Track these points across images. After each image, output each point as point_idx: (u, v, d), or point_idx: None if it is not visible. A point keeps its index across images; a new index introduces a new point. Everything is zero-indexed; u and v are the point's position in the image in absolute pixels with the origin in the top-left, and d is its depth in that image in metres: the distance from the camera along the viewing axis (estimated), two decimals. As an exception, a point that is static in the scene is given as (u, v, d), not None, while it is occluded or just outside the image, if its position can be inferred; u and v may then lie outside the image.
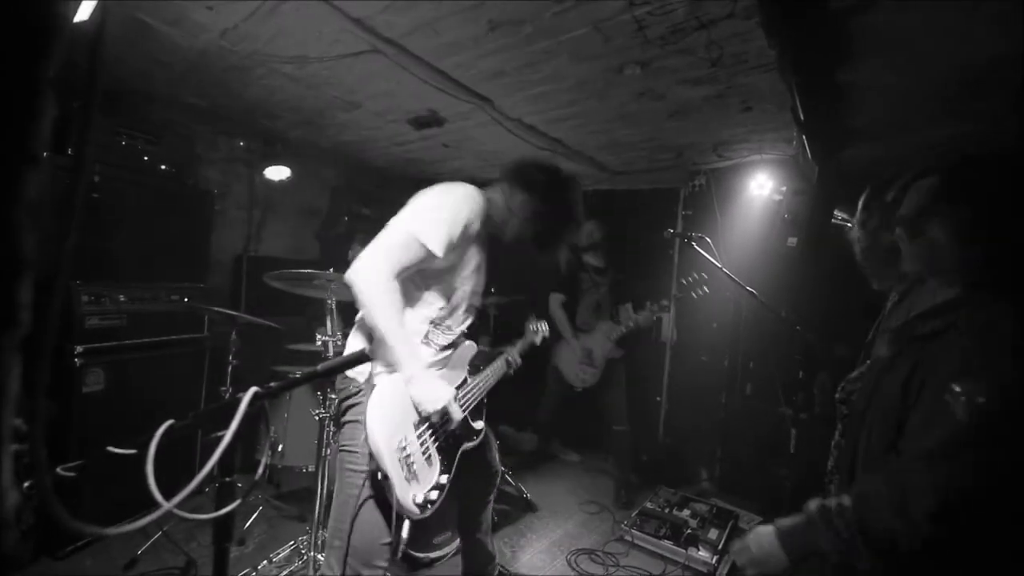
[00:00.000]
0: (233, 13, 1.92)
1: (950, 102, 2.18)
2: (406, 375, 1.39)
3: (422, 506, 1.35)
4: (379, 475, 1.31)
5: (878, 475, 0.97)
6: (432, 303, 1.55)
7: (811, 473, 2.53)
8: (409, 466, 1.35)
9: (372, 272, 1.36)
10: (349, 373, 1.49)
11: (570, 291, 3.50)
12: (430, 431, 1.46)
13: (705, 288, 3.04)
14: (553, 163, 1.73)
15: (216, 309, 2.51)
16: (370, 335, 1.47)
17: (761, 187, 3.33)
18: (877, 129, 2.61)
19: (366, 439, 1.30)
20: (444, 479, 1.46)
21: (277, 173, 3.58)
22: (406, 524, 1.43)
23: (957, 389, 0.87)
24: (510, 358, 1.99)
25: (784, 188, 3.33)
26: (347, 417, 1.49)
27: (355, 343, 1.57)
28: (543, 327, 2.30)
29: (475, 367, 1.81)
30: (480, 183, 1.66)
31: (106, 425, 2.35)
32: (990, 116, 2.28)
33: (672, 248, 4.00)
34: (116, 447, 0.87)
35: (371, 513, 1.39)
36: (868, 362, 1.30)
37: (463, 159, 3.88)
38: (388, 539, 1.40)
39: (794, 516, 1.06)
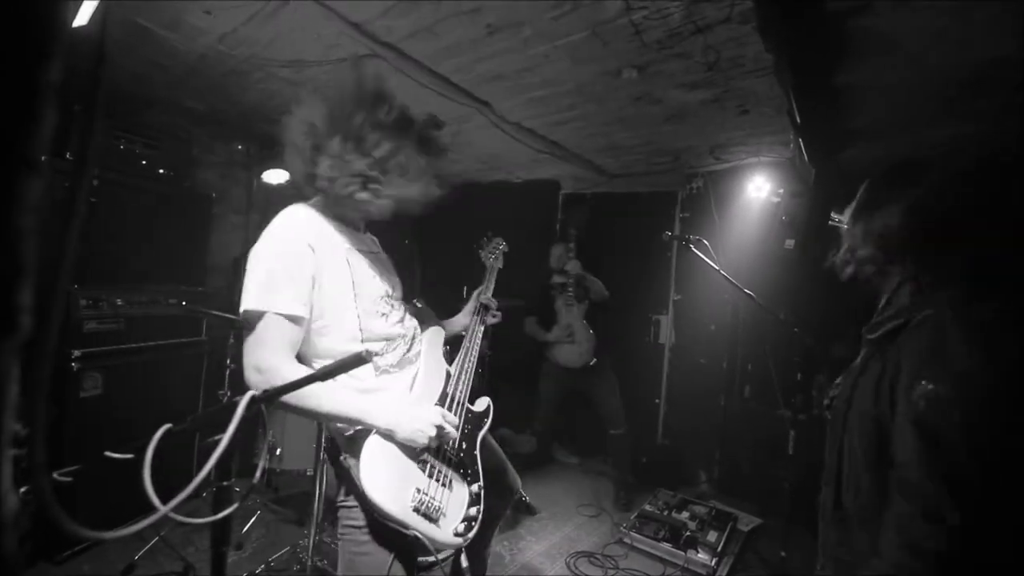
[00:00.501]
0: (231, 17, 1.93)
1: (949, 102, 2.20)
2: (384, 429, 1.23)
3: (465, 531, 1.27)
4: (409, 536, 1.19)
5: (895, 505, 0.95)
6: (349, 341, 1.30)
7: (810, 475, 2.54)
8: (431, 513, 1.23)
9: (272, 380, 1.12)
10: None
11: (542, 313, 3.52)
12: (436, 460, 1.33)
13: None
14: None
15: (214, 312, 2.50)
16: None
17: (759, 189, 3.34)
18: (874, 131, 2.62)
19: (375, 511, 1.18)
20: (476, 488, 1.36)
21: (275, 176, 3.58)
22: (463, 556, 1.36)
23: (926, 388, 0.89)
24: (483, 301, 1.76)
25: (781, 190, 3.34)
26: (342, 467, 1.31)
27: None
28: (499, 242, 2.02)
29: (451, 350, 1.64)
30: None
31: (103, 430, 2.34)
32: (990, 116, 2.29)
33: (670, 251, 4.01)
34: (113, 452, 0.87)
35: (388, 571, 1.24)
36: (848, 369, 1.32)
37: (462, 163, 3.89)
38: None
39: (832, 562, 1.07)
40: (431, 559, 2.04)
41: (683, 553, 2.58)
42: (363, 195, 1.30)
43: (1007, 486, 0.89)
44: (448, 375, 1.53)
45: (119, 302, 2.48)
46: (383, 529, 1.22)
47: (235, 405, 0.83)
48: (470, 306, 1.78)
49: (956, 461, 0.87)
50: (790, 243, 3.28)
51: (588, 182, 4.25)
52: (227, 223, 3.62)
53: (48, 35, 0.36)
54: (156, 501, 0.71)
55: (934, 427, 0.88)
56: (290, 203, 1.42)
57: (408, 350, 1.44)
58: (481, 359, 1.66)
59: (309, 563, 2.15)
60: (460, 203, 3.90)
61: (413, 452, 1.28)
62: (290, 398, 1.08)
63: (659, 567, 2.60)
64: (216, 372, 2.73)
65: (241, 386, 1.03)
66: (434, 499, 1.25)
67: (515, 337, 3.42)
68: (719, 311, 3.68)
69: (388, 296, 1.43)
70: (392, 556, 1.25)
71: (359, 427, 1.26)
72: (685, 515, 2.93)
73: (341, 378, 1.09)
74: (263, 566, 2.25)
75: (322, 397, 1.18)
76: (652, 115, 2.63)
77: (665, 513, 2.95)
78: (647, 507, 3.03)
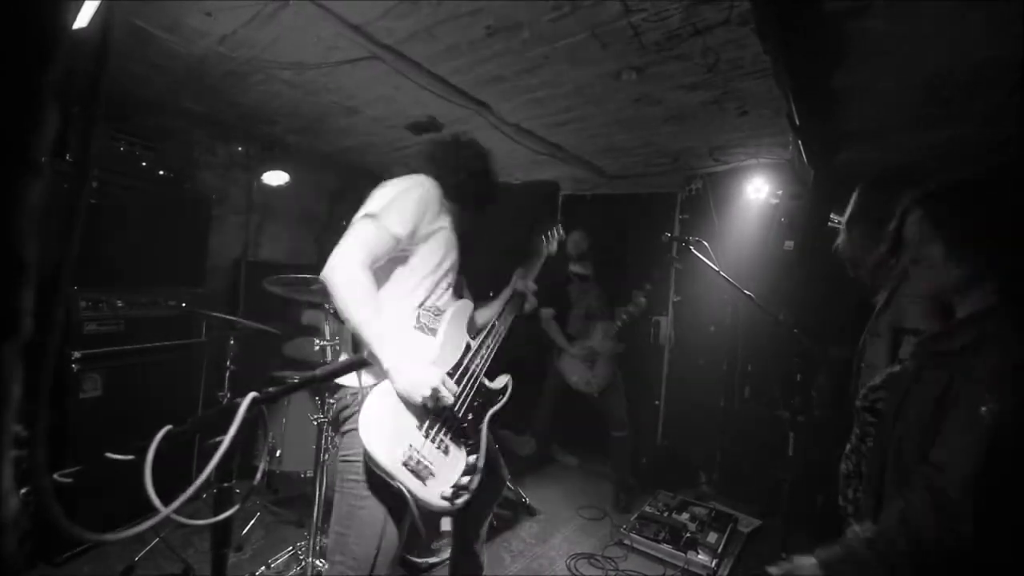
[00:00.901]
0: (232, 19, 1.93)
1: (946, 104, 2.20)
2: (386, 366, 1.32)
3: (453, 497, 1.31)
4: (394, 488, 1.26)
5: (914, 494, 0.96)
6: (413, 289, 1.51)
7: (809, 475, 2.55)
8: (423, 469, 1.30)
9: (345, 266, 1.35)
10: (342, 381, 1.45)
11: (558, 304, 3.52)
12: (437, 424, 1.39)
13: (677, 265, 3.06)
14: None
15: (214, 314, 2.51)
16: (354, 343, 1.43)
17: (758, 191, 3.35)
18: (872, 132, 2.63)
19: (366, 460, 1.26)
20: (473, 459, 1.40)
21: (275, 178, 3.58)
22: (445, 521, 1.39)
23: (993, 406, 0.90)
24: (519, 287, 1.89)
25: (780, 192, 3.34)
26: (346, 427, 1.43)
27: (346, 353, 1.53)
28: (557, 232, 2.14)
29: (478, 328, 1.73)
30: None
31: (103, 431, 2.34)
32: (984, 118, 2.30)
33: (670, 252, 4.00)
34: (114, 453, 0.87)
35: (383, 526, 1.34)
36: (891, 370, 1.33)
37: (461, 164, 3.89)
38: (397, 551, 1.38)
39: (833, 547, 1.06)
40: (430, 561, 2.06)
41: (683, 554, 2.58)
42: None
43: None
44: (468, 347, 1.60)
45: (119, 303, 2.49)
46: (382, 484, 1.30)
47: (236, 407, 0.83)
48: (507, 292, 1.89)
49: (992, 486, 0.88)
50: (789, 244, 3.28)
51: (588, 183, 4.25)
52: (227, 224, 3.62)
53: (49, 38, 0.37)
54: (157, 503, 0.72)
55: (985, 443, 0.89)
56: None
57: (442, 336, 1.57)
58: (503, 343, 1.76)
59: (310, 565, 2.15)
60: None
61: (416, 412, 1.35)
62: (342, 283, 1.32)
63: (659, 568, 2.59)
64: (216, 374, 2.73)
65: (241, 388, 1.03)
66: (424, 458, 1.31)
67: (514, 335, 3.42)
68: (719, 312, 3.68)
69: (454, 273, 1.63)
70: (385, 512, 1.33)
71: (376, 381, 1.36)
72: (685, 516, 2.93)
73: (393, 304, 1.44)
74: (263, 568, 2.24)
75: (361, 303, 1.33)
76: (651, 117, 2.64)
77: (665, 514, 2.95)
78: (647, 508, 3.03)
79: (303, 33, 1.99)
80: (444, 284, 1.58)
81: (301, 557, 2.26)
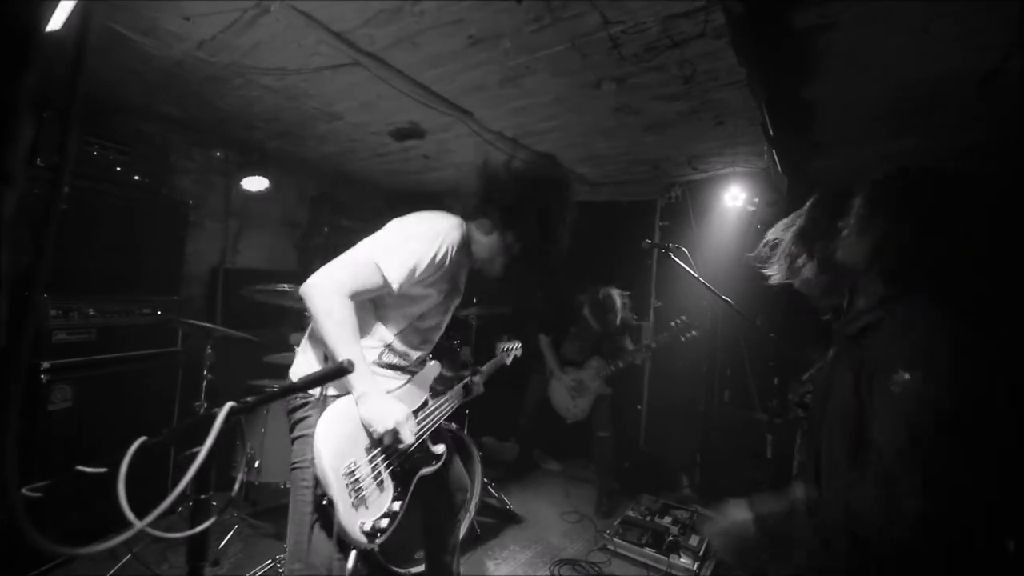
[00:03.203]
0: (211, 24, 1.91)
1: (910, 116, 2.30)
2: (357, 392, 1.34)
3: (370, 535, 1.28)
4: (324, 500, 1.25)
5: (866, 471, 0.98)
6: (387, 332, 1.51)
7: (787, 476, 2.59)
8: (357, 492, 1.28)
9: (328, 286, 1.33)
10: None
11: (556, 330, 3.57)
12: (383, 455, 1.41)
13: (693, 332, 3.18)
14: (546, 198, 1.60)
15: (190, 322, 2.46)
16: (325, 355, 1.41)
17: (735, 199, 3.43)
18: (843, 142, 2.72)
19: (312, 460, 1.25)
20: (396, 506, 1.38)
21: (255, 184, 3.54)
22: (352, 554, 1.34)
23: (904, 377, 0.93)
24: (471, 382, 1.95)
25: (757, 199, 3.43)
26: (296, 432, 1.43)
27: (303, 362, 1.50)
28: (515, 346, 2.33)
29: (436, 390, 1.76)
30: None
31: (74, 444, 2.26)
32: (948, 127, 2.40)
33: (650, 259, 4.07)
34: (85, 466, 0.85)
35: (324, 537, 1.32)
36: (819, 364, 1.36)
37: (444, 171, 3.90)
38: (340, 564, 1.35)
39: (771, 503, 1.09)
40: (412, 571, 2.04)
41: (666, 558, 2.60)
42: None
43: (977, 480, 0.92)
44: (426, 403, 1.66)
45: (90, 312, 2.42)
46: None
47: (213, 417, 0.82)
48: (459, 387, 1.94)
49: (929, 450, 0.90)
50: (765, 251, 3.36)
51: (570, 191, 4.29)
52: (204, 231, 3.55)
53: (23, 43, 0.36)
54: (131, 516, 0.70)
55: (909, 415, 0.91)
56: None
57: (406, 383, 1.60)
58: (464, 367, 1.81)
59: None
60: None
61: (367, 440, 1.37)
62: (320, 302, 1.31)
63: (642, 572, 2.61)
64: (192, 384, 2.67)
65: (218, 398, 1.02)
66: (363, 488, 1.31)
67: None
68: (698, 318, 3.74)
69: (437, 329, 1.66)
70: (315, 518, 1.31)
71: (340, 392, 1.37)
72: (667, 520, 2.95)
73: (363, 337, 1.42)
74: (241, 582, 2.19)
75: (342, 326, 1.32)
76: (631, 126, 2.69)
77: (648, 518, 2.97)
78: (630, 513, 3.05)
79: (284, 39, 1.98)
80: (420, 337, 1.59)
81: (280, 570, 2.22)
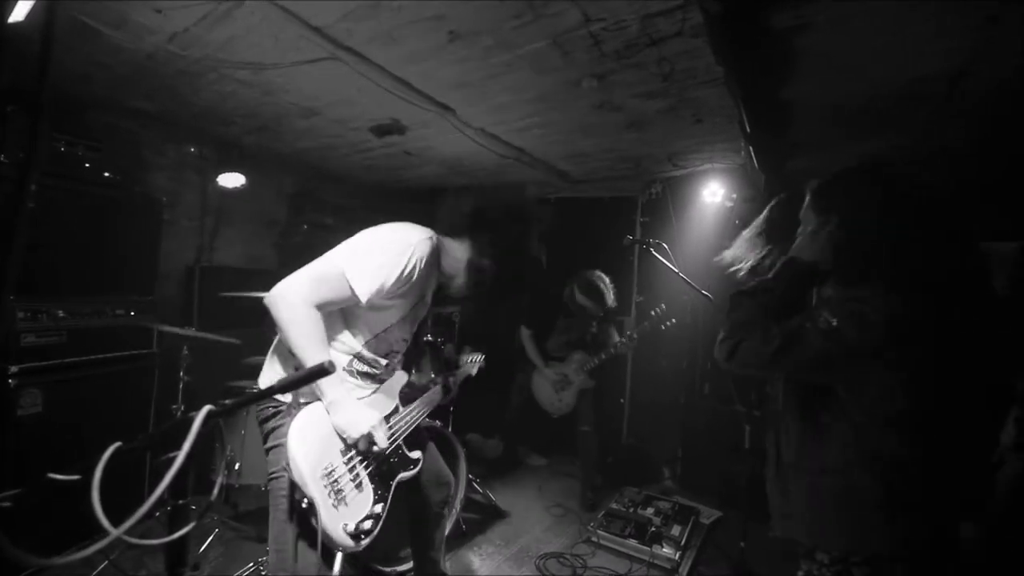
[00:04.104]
0: (183, 17, 1.86)
1: (884, 116, 2.36)
2: (327, 400, 1.35)
3: (355, 536, 1.29)
4: (304, 503, 1.24)
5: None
6: (355, 341, 1.51)
7: (763, 467, 2.66)
8: (337, 492, 1.28)
9: (292, 296, 1.32)
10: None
11: (539, 323, 3.56)
12: (359, 458, 1.42)
13: (673, 320, 3.21)
14: (520, 221, 1.66)
15: (164, 328, 2.40)
16: (296, 367, 1.41)
17: (713, 195, 3.49)
18: (817, 141, 2.79)
19: (287, 464, 1.25)
20: (379, 508, 1.39)
21: (231, 180, 3.46)
22: (339, 557, 1.33)
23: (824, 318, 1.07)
24: (447, 384, 1.98)
25: (735, 195, 3.49)
26: (270, 443, 1.42)
27: (270, 373, 1.50)
28: (478, 358, 2.40)
29: (408, 397, 1.77)
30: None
31: (45, 450, 2.19)
32: (919, 129, 2.48)
33: (632, 254, 4.11)
34: (58, 474, 0.82)
35: (306, 546, 1.32)
36: None
37: (426, 167, 3.87)
38: (326, 571, 1.36)
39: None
40: (398, 569, 2.06)
41: (648, 548, 2.65)
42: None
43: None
44: (397, 409, 1.66)
45: (61, 314, 2.34)
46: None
47: (191, 420, 0.80)
48: (431, 393, 1.94)
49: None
50: (743, 246, 3.43)
51: (552, 187, 4.31)
52: (179, 229, 3.46)
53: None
54: (107, 524, 0.69)
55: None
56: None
57: (375, 391, 1.61)
58: (448, 364, 1.83)
59: (271, 580, 2.08)
60: (425, 209, 3.88)
61: (342, 443, 1.37)
62: (286, 312, 1.30)
63: (626, 564, 2.65)
64: (168, 386, 2.61)
65: (196, 400, 1.00)
66: (343, 488, 1.32)
67: (484, 340, 3.43)
68: (679, 312, 3.80)
69: (404, 341, 1.65)
70: (297, 528, 1.30)
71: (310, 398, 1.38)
72: (650, 511, 3.00)
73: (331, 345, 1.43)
74: (222, 586, 2.16)
75: (309, 336, 1.31)
76: (613, 123, 2.70)
77: (631, 510, 3.02)
78: (613, 505, 3.09)
79: (260, 32, 1.94)
80: (386, 347, 1.59)
81: (263, 572, 2.19)
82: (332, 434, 1.36)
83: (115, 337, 2.56)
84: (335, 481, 1.29)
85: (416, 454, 1.67)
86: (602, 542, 2.81)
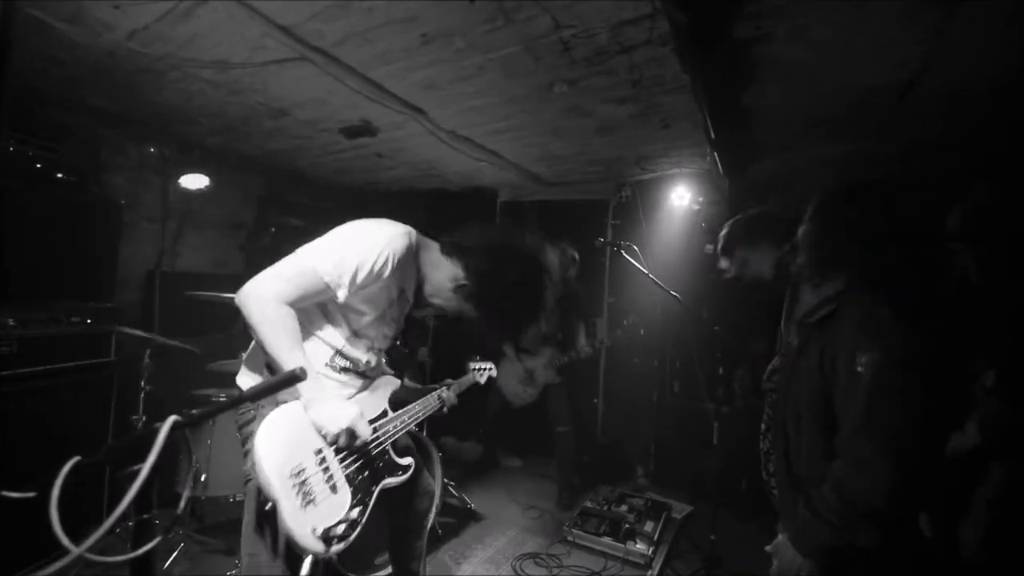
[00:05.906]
0: (143, 13, 1.79)
1: (841, 123, 2.48)
2: (304, 398, 1.31)
3: (325, 539, 1.21)
4: (267, 507, 1.18)
5: (838, 462, 1.14)
6: (336, 337, 1.47)
7: (733, 462, 2.75)
8: (305, 493, 1.22)
9: (263, 294, 1.29)
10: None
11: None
12: (336, 456, 1.36)
13: (642, 331, 3.32)
14: (518, 257, 1.49)
15: (124, 330, 2.31)
16: (271, 368, 1.36)
17: (681, 198, 3.58)
18: (779, 146, 2.90)
19: (253, 465, 1.19)
20: (355, 513, 1.32)
21: (194, 182, 3.35)
22: (307, 562, 1.24)
23: (862, 360, 1.10)
24: (444, 395, 1.92)
25: (701, 199, 3.60)
26: (248, 446, 1.37)
27: (248, 374, 1.46)
28: (488, 367, 2.35)
29: (400, 402, 1.73)
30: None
31: (-7, 466, 2.07)
32: (876, 133, 2.60)
33: (604, 256, 4.18)
34: (11, 491, 0.78)
35: (274, 551, 1.29)
36: (781, 353, 1.52)
37: (398, 169, 3.84)
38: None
39: (792, 522, 1.24)
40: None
41: (623, 545, 2.70)
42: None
43: (932, 444, 1.12)
44: (385, 412, 1.63)
45: (11, 322, 2.22)
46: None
47: (155, 432, 0.78)
48: (432, 397, 1.89)
49: (892, 421, 1.07)
50: (709, 248, 3.53)
51: (527, 190, 4.34)
52: (139, 232, 3.33)
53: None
54: (67, 542, 0.66)
55: (873, 390, 1.07)
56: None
57: (361, 389, 1.59)
58: (423, 368, 1.79)
59: (241, 593, 2.03)
60: (397, 211, 3.81)
61: (317, 443, 1.33)
62: (257, 309, 1.27)
63: (601, 561, 2.69)
64: (129, 396, 2.51)
65: (158, 411, 0.97)
66: (313, 489, 1.26)
67: (459, 340, 3.42)
68: (649, 312, 3.88)
69: (385, 337, 1.61)
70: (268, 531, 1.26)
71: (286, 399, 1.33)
72: (624, 508, 3.05)
73: (310, 342, 1.41)
74: (188, 601, 2.09)
75: (281, 334, 1.28)
76: (583, 127, 2.75)
77: (605, 508, 3.06)
78: (588, 503, 3.13)
79: (224, 31, 1.89)
80: (366, 343, 1.54)
81: (232, 585, 2.13)
82: (306, 434, 1.31)
83: (70, 346, 2.44)
84: (304, 482, 1.23)
85: (407, 460, 1.62)
86: (577, 541, 2.84)
